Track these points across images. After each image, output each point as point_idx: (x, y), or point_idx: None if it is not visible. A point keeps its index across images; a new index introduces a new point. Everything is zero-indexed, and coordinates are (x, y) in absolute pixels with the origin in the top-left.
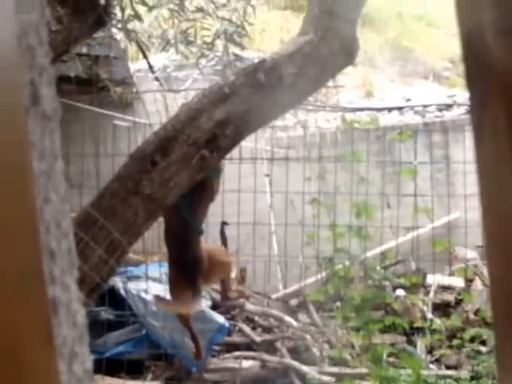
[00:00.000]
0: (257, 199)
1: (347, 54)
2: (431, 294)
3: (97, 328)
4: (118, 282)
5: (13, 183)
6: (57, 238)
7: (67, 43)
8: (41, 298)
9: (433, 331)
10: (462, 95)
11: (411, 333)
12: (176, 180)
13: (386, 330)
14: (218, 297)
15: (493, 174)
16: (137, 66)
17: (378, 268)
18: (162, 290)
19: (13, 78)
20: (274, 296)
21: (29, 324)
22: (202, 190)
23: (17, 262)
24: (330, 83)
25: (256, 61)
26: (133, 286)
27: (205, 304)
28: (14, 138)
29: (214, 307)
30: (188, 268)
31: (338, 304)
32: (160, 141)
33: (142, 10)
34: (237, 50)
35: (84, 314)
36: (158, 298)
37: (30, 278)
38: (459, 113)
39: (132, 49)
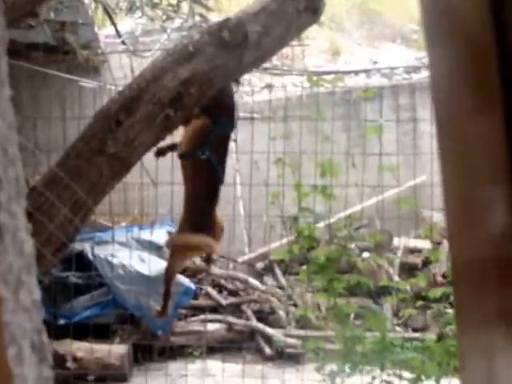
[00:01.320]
0: None
1: (313, 11)
2: (398, 257)
3: (65, 293)
4: (86, 246)
5: None
6: (3, 164)
7: (32, 3)
8: None
9: (399, 291)
10: None
11: (377, 295)
12: (140, 139)
13: (352, 293)
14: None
15: (455, 130)
16: (104, 32)
17: (344, 230)
18: (131, 254)
19: None
20: (240, 259)
21: None
22: (225, 144)
23: None
24: (296, 42)
25: (221, 19)
26: (100, 251)
27: None
28: None
29: (181, 271)
30: (210, 218)
31: (305, 267)
32: (124, 100)
33: None
34: (204, 12)
35: (32, 244)
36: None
37: None
38: (427, 75)
39: (99, 15)
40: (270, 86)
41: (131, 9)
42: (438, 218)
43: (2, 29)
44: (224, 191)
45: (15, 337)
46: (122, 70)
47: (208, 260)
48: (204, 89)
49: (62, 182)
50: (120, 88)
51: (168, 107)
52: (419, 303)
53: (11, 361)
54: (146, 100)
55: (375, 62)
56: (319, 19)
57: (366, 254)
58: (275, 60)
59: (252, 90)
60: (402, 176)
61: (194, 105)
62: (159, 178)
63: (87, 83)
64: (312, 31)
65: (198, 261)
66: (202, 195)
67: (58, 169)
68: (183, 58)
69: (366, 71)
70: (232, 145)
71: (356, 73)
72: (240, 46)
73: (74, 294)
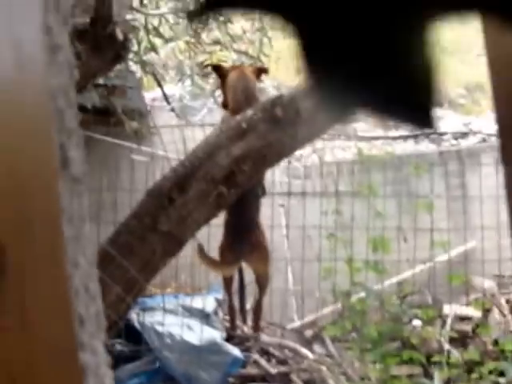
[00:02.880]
0: (272, 230)
1: None
2: (448, 325)
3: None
4: (132, 314)
5: (45, 250)
6: (85, 302)
7: (85, 79)
8: (73, 367)
9: (450, 365)
10: (478, 123)
11: (429, 364)
12: (193, 216)
13: (403, 361)
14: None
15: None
16: (152, 94)
17: (395, 298)
18: (178, 322)
19: (44, 142)
20: (288, 327)
21: None
22: None
23: (49, 332)
24: None
25: (273, 96)
26: (147, 318)
27: (219, 336)
28: (46, 204)
29: (229, 339)
30: (240, 226)
31: (354, 335)
32: (177, 177)
33: (158, 42)
34: None
35: (112, 376)
36: (202, 253)
37: (63, 348)
38: (475, 141)
39: (147, 77)
40: (320, 155)
41: (181, 79)
42: (488, 285)
43: (83, 164)
44: (273, 258)
45: None
46: (171, 135)
47: (256, 325)
48: (257, 166)
49: (114, 260)
50: (170, 157)
51: (221, 184)
52: (472, 376)
53: None
54: (199, 177)
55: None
56: None
57: (416, 322)
58: None
59: (301, 155)
60: (451, 241)
61: (247, 181)
62: (211, 248)
63: (138, 153)
64: None
65: (246, 328)
66: (232, 224)
67: (109, 246)
68: (236, 135)
69: (415, 137)
70: (280, 211)
71: (404, 138)
72: (293, 123)
73: (120, 361)
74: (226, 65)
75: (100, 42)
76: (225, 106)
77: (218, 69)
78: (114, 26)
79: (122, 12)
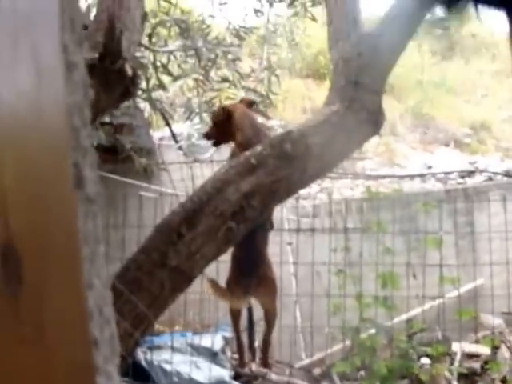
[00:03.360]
0: (280, 267)
1: (373, 123)
2: (456, 363)
3: None
4: (139, 352)
5: (62, 264)
6: (100, 325)
7: (94, 114)
8: None
9: None
10: (484, 161)
11: None
12: (202, 252)
13: None
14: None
15: None
16: (160, 133)
17: (404, 336)
18: (186, 361)
19: (60, 160)
20: (296, 365)
21: None
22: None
23: (67, 354)
24: (356, 153)
25: (283, 132)
26: (155, 357)
27: (227, 374)
28: (62, 219)
29: (237, 377)
30: (248, 260)
31: (363, 373)
32: (186, 213)
33: (166, 79)
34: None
35: None
36: (213, 284)
37: (80, 370)
38: (481, 179)
39: (155, 116)
40: (329, 194)
41: (189, 117)
42: (497, 322)
43: (98, 184)
44: (280, 297)
45: None
46: (180, 172)
47: (265, 362)
48: (266, 201)
49: (122, 296)
50: (179, 194)
51: (230, 220)
52: None
53: None
54: (208, 213)
55: (430, 167)
56: (380, 130)
57: (424, 360)
58: None
59: (308, 193)
60: (460, 277)
61: (257, 217)
62: (220, 283)
63: (147, 190)
64: None
65: (254, 366)
66: (239, 258)
67: (117, 281)
68: (245, 170)
69: (422, 176)
70: (288, 250)
71: (411, 177)
72: (302, 158)
73: None
74: (228, 104)
75: (109, 77)
76: (207, 136)
77: (225, 110)
78: (123, 62)
79: (131, 48)
